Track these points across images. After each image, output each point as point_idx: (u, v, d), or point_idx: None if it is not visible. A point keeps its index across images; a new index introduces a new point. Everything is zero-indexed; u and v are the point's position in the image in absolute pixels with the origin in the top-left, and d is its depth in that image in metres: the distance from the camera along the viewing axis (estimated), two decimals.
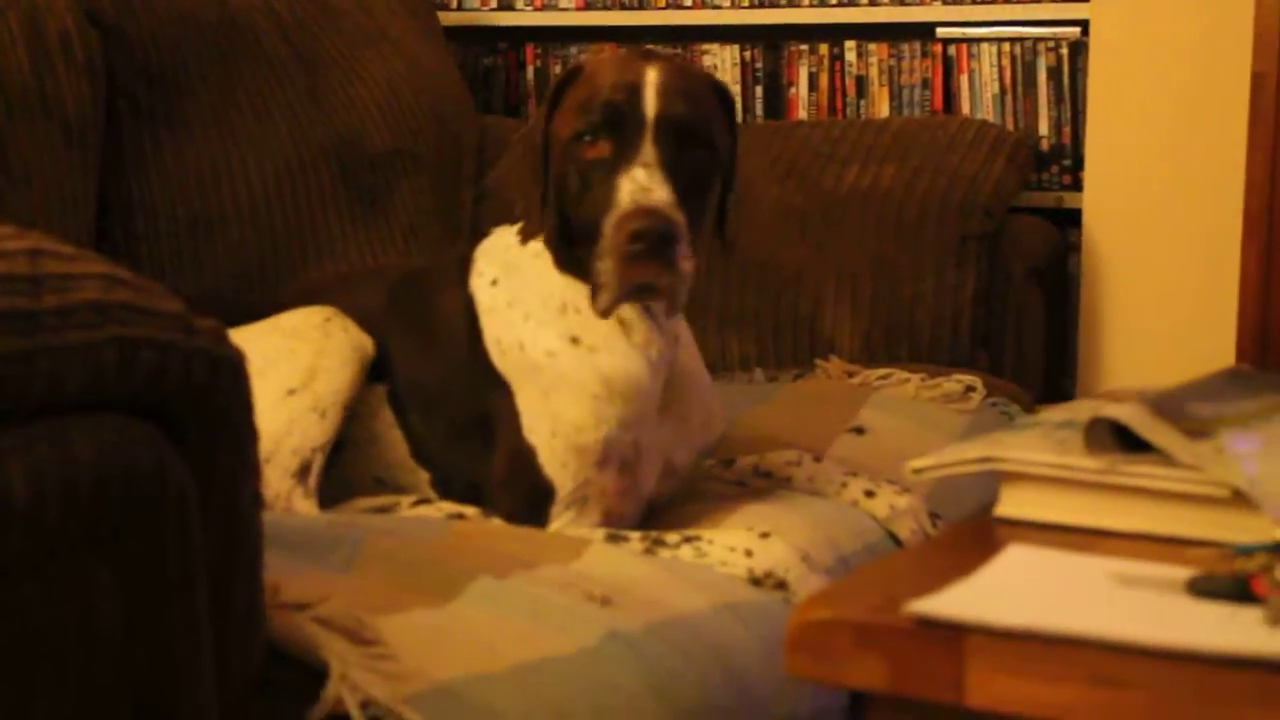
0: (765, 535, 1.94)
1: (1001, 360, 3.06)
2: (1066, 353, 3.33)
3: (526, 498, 2.00)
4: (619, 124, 1.92)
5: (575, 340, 2.00)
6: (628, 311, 1.99)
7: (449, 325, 2.11)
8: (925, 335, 2.95)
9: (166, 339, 1.16)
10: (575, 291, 2.00)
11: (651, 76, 1.95)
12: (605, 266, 1.88)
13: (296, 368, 2.04)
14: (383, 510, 2.05)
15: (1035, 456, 1.41)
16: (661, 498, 2.12)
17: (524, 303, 2.04)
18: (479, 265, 2.11)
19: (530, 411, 2.01)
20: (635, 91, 1.93)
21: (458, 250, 2.25)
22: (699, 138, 1.96)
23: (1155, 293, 3.25)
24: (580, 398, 1.98)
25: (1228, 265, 2.94)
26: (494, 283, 2.08)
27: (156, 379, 1.16)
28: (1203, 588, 1.19)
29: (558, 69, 3.74)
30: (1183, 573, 1.22)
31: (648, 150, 1.90)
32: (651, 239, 1.84)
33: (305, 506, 2.01)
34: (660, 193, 1.87)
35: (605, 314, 1.93)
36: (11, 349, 1.06)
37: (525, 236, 2.06)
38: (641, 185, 1.87)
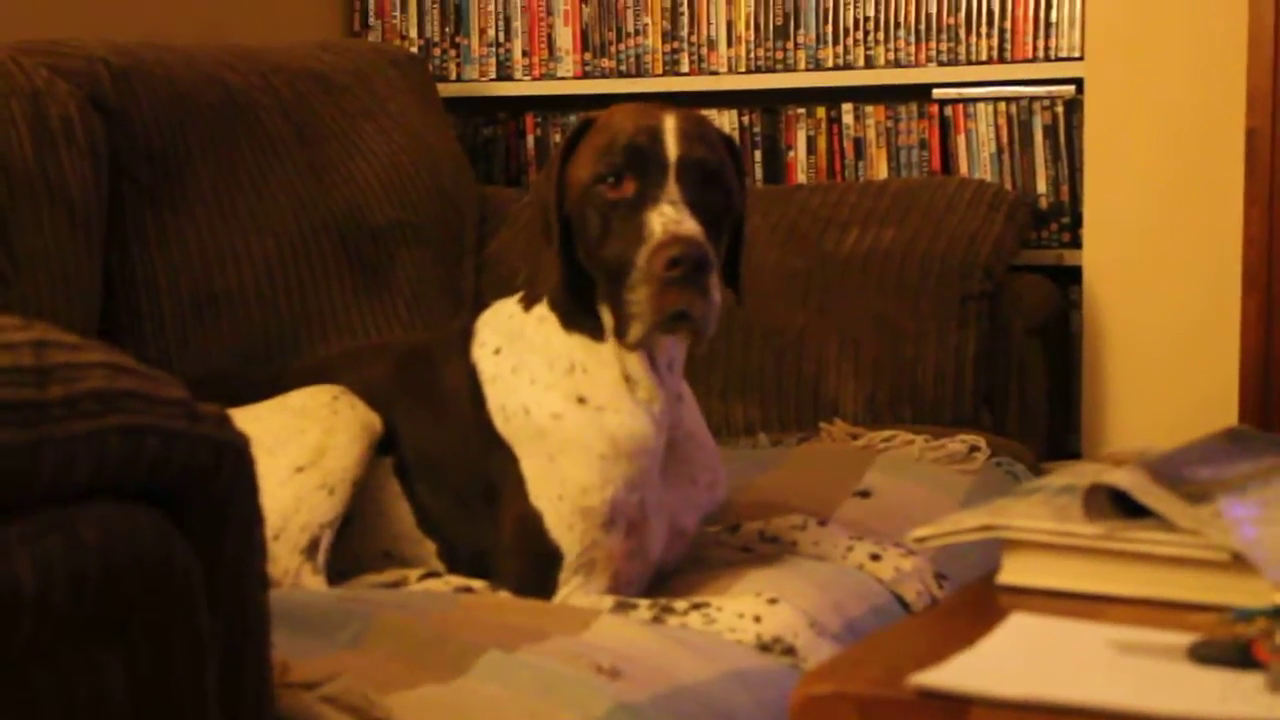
0: (773, 601, 1.94)
1: (1005, 419, 3.07)
2: (1070, 409, 3.34)
3: (534, 563, 2.01)
4: (643, 164, 1.95)
5: (582, 400, 2.01)
6: (633, 366, 2.02)
7: (453, 396, 2.12)
8: (928, 395, 2.96)
9: (170, 426, 1.17)
10: (583, 350, 2.03)
11: (670, 122, 1.98)
12: (638, 296, 1.90)
13: (305, 446, 2.06)
14: (391, 586, 2.06)
15: (1035, 524, 1.42)
16: (669, 563, 2.13)
17: (529, 368, 2.06)
18: (480, 335, 2.13)
19: (536, 477, 2.02)
20: (656, 134, 1.97)
21: (459, 322, 2.27)
22: (717, 180, 1.99)
23: (1157, 347, 3.26)
24: (587, 459, 1.99)
25: (1228, 316, 2.95)
26: (497, 351, 2.10)
27: (161, 466, 1.17)
28: (1203, 654, 1.20)
29: (558, 138, 3.76)
30: (1183, 639, 1.22)
31: (672, 189, 1.94)
32: (689, 265, 1.87)
33: (314, 583, 2.02)
34: (691, 224, 1.91)
35: (637, 346, 1.95)
36: (19, 440, 1.07)
37: (531, 299, 2.09)
38: (672, 218, 1.90)
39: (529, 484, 2.03)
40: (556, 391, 2.03)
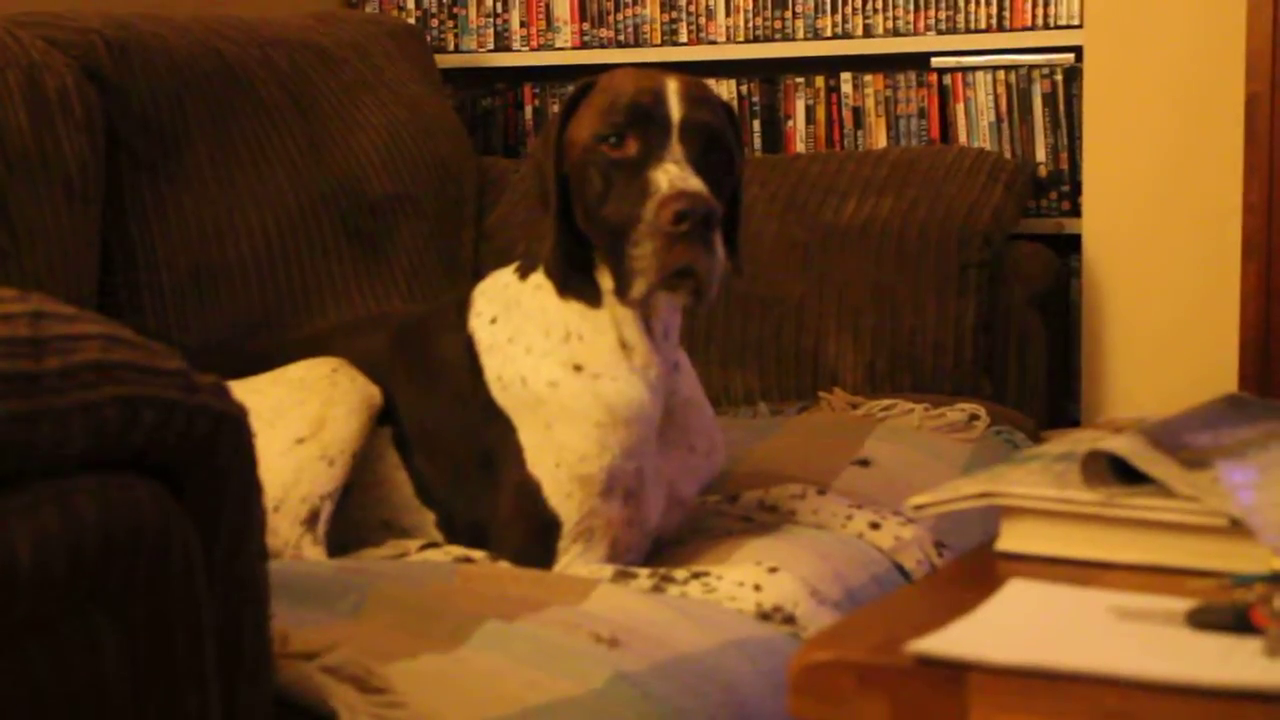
0: (773, 570, 1.95)
1: (1005, 387, 3.07)
2: (1070, 377, 3.34)
3: (533, 532, 2.01)
4: (646, 123, 1.95)
5: (578, 368, 2.02)
6: (630, 332, 2.02)
7: (450, 367, 2.13)
8: (928, 364, 2.96)
9: (168, 397, 1.17)
10: (579, 317, 2.03)
11: (673, 85, 1.99)
12: (642, 251, 1.89)
13: (305, 417, 2.06)
14: (391, 559, 2.06)
15: (1034, 491, 1.42)
16: (668, 531, 2.13)
17: (525, 336, 2.06)
18: (477, 305, 2.13)
19: (533, 445, 2.02)
20: (660, 95, 1.97)
21: (456, 293, 2.27)
22: (719, 143, 1.99)
23: (1156, 315, 3.25)
24: (583, 427, 2.00)
25: (1228, 285, 2.95)
26: (493, 320, 2.10)
27: (159, 437, 1.17)
28: (1202, 619, 1.20)
29: (556, 108, 3.74)
30: (1182, 604, 1.22)
31: (675, 149, 1.94)
32: (696, 219, 1.87)
33: (314, 554, 2.02)
34: (697, 181, 1.91)
35: (638, 302, 1.95)
36: (15, 412, 1.07)
37: (527, 267, 2.09)
38: (678, 175, 1.90)
39: (526, 453, 2.03)
40: (552, 359, 2.03)
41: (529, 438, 2.03)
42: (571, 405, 2.01)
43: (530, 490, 2.01)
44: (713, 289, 1.93)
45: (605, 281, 2.00)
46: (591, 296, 2.03)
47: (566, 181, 2.03)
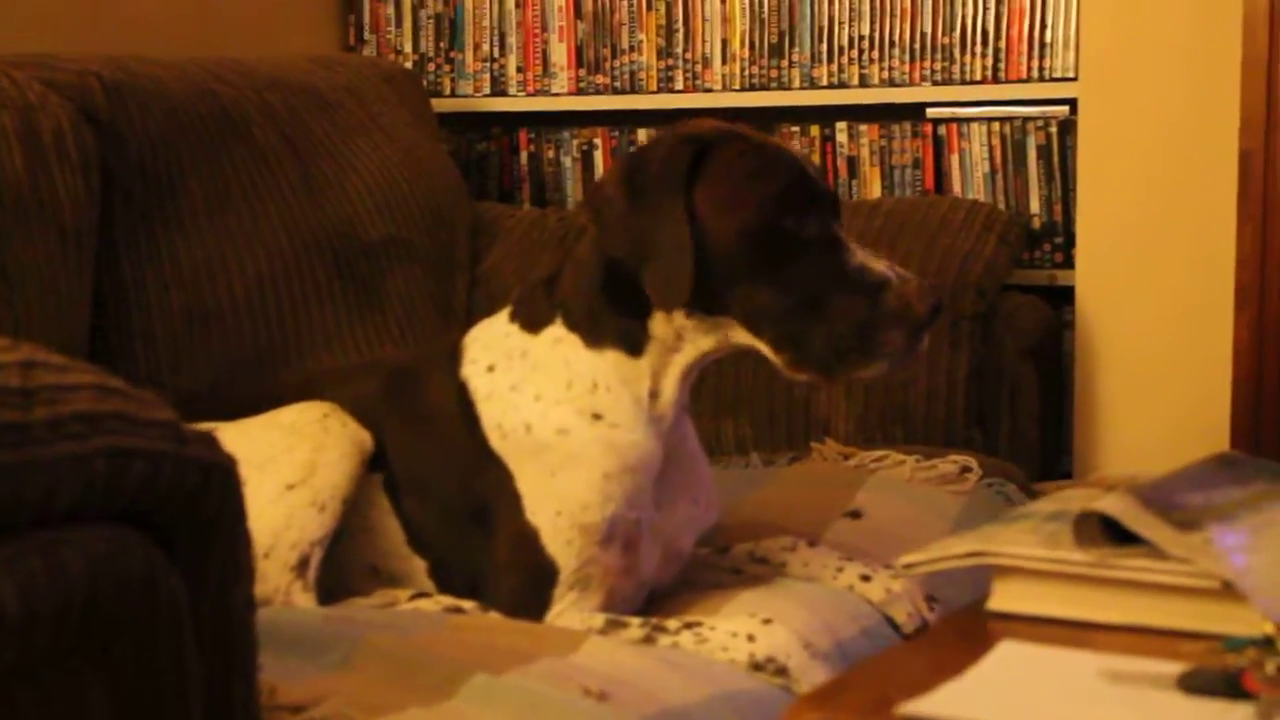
0: (767, 621, 1.94)
1: (997, 439, 3.07)
2: (1062, 430, 3.34)
3: (529, 579, 2.01)
4: (820, 199, 1.98)
5: (597, 417, 2.01)
6: (667, 383, 2.03)
7: (441, 414, 2.12)
8: (920, 415, 2.95)
9: (158, 448, 1.16)
10: (611, 366, 2.02)
11: (801, 158, 2.02)
12: (889, 338, 1.93)
13: (295, 463, 2.05)
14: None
15: (1025, 550, 1.41)
16: (664, 584, 2.12)
17: (534, 385, 2.05)
18: (470, 353, 2.12)
19: (533, 493, 2.02)
20: (812, 168, 2.02)
21: (446, 341, 2.26)
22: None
23: (1149, 368, 3.25)
24: (589, 475, 1.99)
25: (1220, 338, 2.95)
26: (490, 369, 2.09)
27: (148, 488, 1.16)
28: (1193, 684, 1.20)
29: (551, 154, 3.76)
30: (1173, 668, 1.22)
31: (841, 226, 2.00)
32: (938, 312, 1.94)
33: (304, 600, 2.01)
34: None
35: (858, 380, 2.07)
36: (3, 462, 1.07)
37: (531, 320, 2.07)
38: (884, 262, 1.96)
39: (525, 500, 2.02)
40: (568, 407, 2.02)
41: (528, 485, 2.02)
42: (580, 453, 2.00)
43: (528, 537, 2.01)
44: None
45: (659, 328, 2.00)
46: (634, 345, 2.02)
47: (700, 251, 1.96)
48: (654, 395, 2.04)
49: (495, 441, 2.05)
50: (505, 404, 2.06)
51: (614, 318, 2.03)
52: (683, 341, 2.03)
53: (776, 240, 1.96)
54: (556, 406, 2.03)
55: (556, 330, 2.06)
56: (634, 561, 2.03)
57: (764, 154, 2.00)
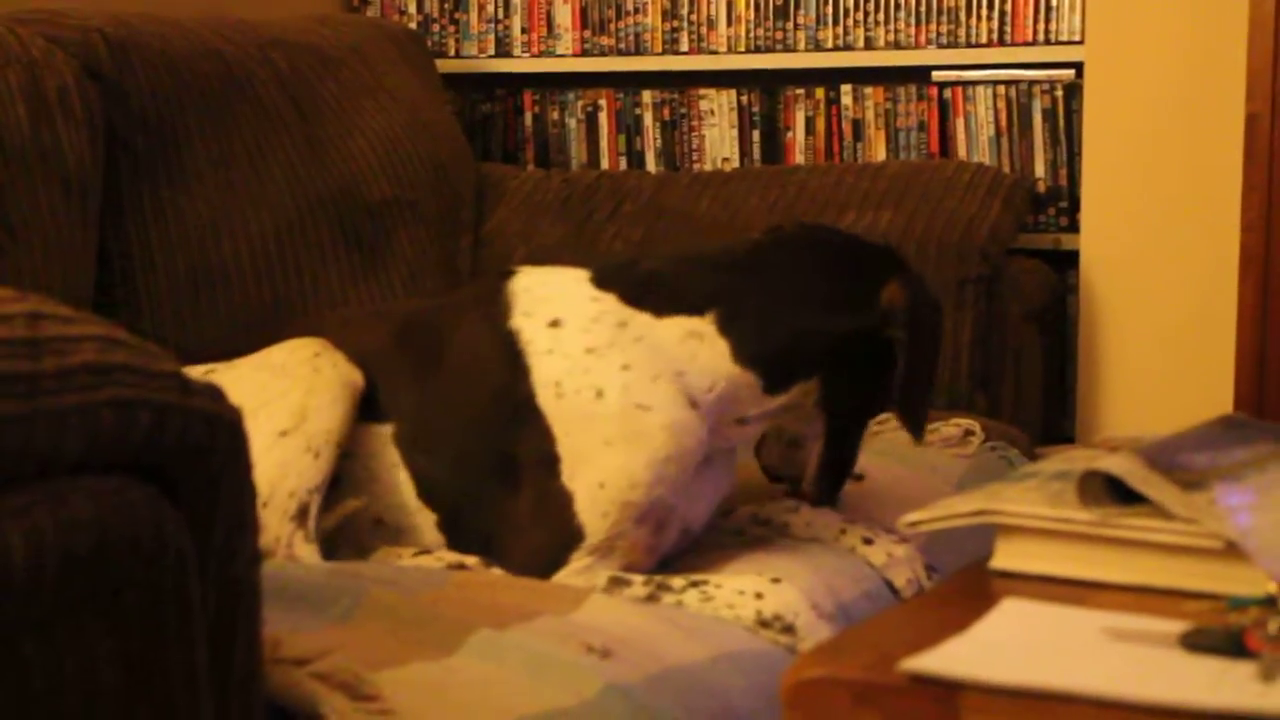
0: (776, 580, 1.95)
1: (1000, 402, 3.07)
2: (1065, 394, 3.34)
3: (552, 540, 2.00)
4: None
5: (694, 404, 2.01)
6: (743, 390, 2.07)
7: (474, 362, 2.09)
8: None
9: (163, 400, 1.16)
10: (743, 386, 2.05)
11: None
12: None
13: (287, 408, 2.02)
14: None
15: (1029, 509, 1.41)
16: (670, 555, 2.12)
17: (625, 355, 2.02)
18: (522, 304, 2.08)
19: (577, 458, 2.00)
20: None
21: (472, 289, 2.23)
22: None
23: (1153, 333, 3.26)
24: (650, 456, 1.99)
25: (1225, 303, 2.95)
26: (554, 324, 2.05)
27: (154, 440, 1.16)
28: (1196, 642, 1.20)
29: (555, 115, 3.76)
30: (1176, 627, 1.22)
31: None
32: None
33: (306, 551, 1.98)
34: None
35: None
36: (11, 413, 1.07)
37: (640, 293, 2.07)
38: None
39: (563, 464, 2.00)
40: (665, 385, 2.01)
41: (573, 450, 2.00)
42: (650, 433, 1.99)
43: (559, 500, 1.99)
44: None
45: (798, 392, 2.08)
46: (776, 386, 2.07)
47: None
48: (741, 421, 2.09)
49: (544, 399, 2.02)
50: (574, 364, 2.02)
51: (795, 364, 2.07)
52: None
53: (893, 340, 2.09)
54: (653, 382, 2.01)
55: (697, 324, 2.05)
56: (658, 542, 2.04)
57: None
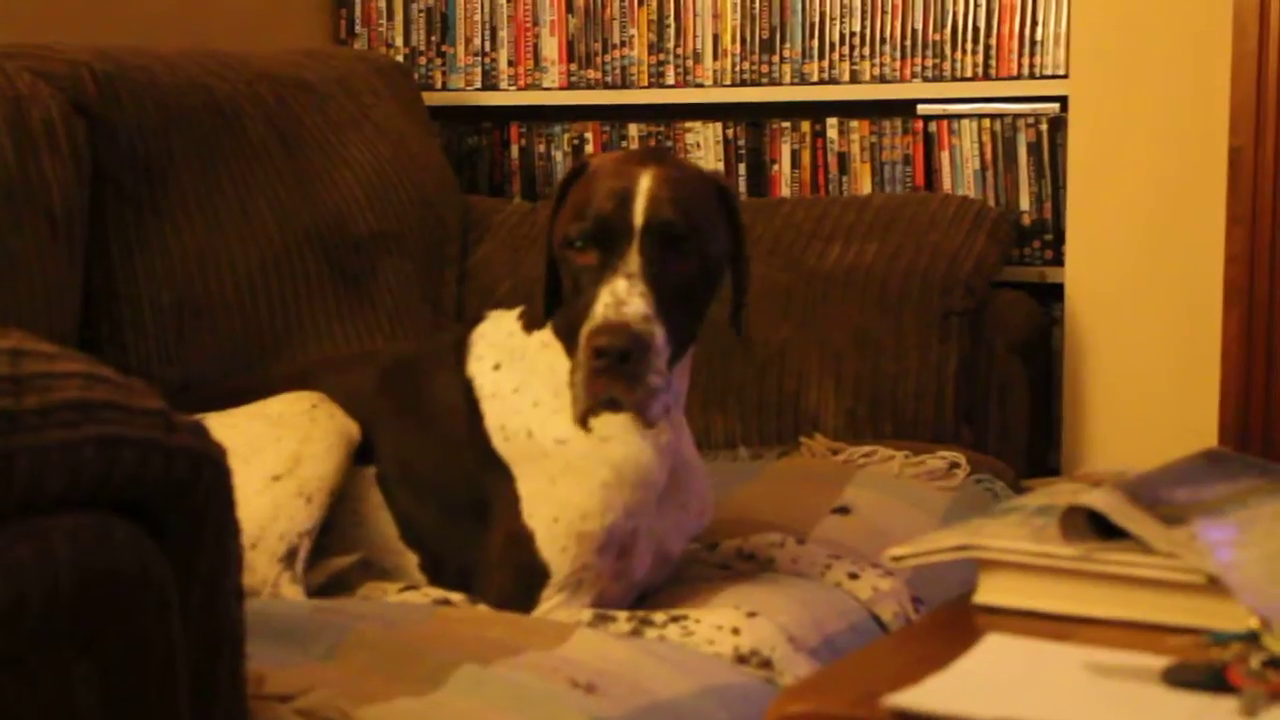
0: (752, 614, 1.95)
1: (985, 435, 3.07)
2: (1050, 426, 3.34)
3: (520, 579, 2.01)
4: (607, 232, 1.91)
5: (590, 428, 1.99)
6: None
7: (444, 409, 2.11)
8: (909, 411, 2.96)
9: (147, 437, 1.16)
10: None
11: (644, 183, 1.93)
12: (576, 378, 1.89)
13: (282, 454, 2.05)
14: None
15: (1012, 544, 1.42)
16: (653, 585, 2.13)
17: (531, 389, 2.05)
18: (477, 349, 2.12)
19: (532, 496, 2.02)
20: (625, 199, 1.92)
21: (450, 333, 2.26)
22: (689, 246, 1.94)
23: (1138, 365, 3.26)
24: (589, 485, 1.99)
25: (1209, 336, 2.96)
26: (496, 367, 2.09)
27: (137, 477, 1.16)
28: (1178, 678, 1.20)
29: (542, 148, 3.77)
30: (1159, 662, 1.22)
31: (632, 259, 1.89)
32: (612, 356, 1.84)
33: (292, 592, 2.01)
34: (635, 306, 1.86)
35: (579, 424, 1.92)
36: None
37: (531, 322, 2.08)
38: (619, 298, 1.86)
39: (524, 503, 2.02)
40: (562, 416, 1.99)
41: (528, 488, 2.02)
42: (579, 464, 2.00)
43: (523, 539, 2.01)
44: (650, 415, 1.89)
45: None
46: None
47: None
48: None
49: (498, 443, 2.05)
50: (508, 406, 2.06)
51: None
52: None
53: (565, 262, 1.96)
54: (553, 415, 2.02)
55: (545, 335, 2.06)
56: (626, 566, 2.04)
57: (594, 180, 1.97)
